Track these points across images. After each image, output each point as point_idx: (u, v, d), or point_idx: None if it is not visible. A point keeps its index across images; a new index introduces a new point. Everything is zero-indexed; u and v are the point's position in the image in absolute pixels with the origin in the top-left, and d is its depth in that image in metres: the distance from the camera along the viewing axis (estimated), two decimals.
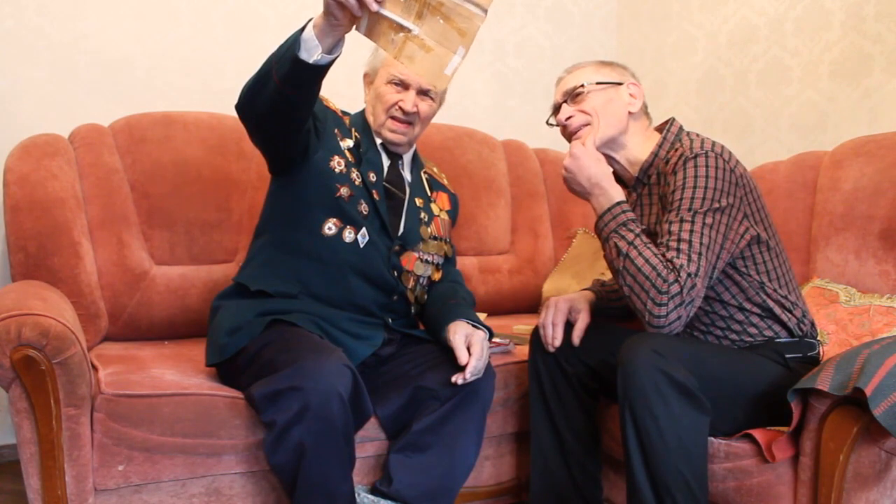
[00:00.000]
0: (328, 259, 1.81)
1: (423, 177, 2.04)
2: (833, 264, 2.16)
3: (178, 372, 1.80)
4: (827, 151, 2.33)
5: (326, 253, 1.80)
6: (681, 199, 1.60)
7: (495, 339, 2.10)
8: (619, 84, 1.77)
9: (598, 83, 1.77)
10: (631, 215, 1.65)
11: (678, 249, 1.56)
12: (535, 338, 1.86)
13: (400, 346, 1.89)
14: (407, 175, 1.98)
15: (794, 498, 1.54)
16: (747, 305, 1.69)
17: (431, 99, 1.91)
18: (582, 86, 1.77)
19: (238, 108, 1.71)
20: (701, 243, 1.57)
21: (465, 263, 2.61)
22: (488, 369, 1.80)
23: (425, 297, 1.97)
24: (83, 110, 2.33)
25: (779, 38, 2.66)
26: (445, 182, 2.14)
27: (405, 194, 1.94)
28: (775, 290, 1.69)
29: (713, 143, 1.66)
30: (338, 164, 1.83)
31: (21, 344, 1.49)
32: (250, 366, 1.67)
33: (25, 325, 1.49)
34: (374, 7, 1.42)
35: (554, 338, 1.80)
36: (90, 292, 2.02)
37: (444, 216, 2.05)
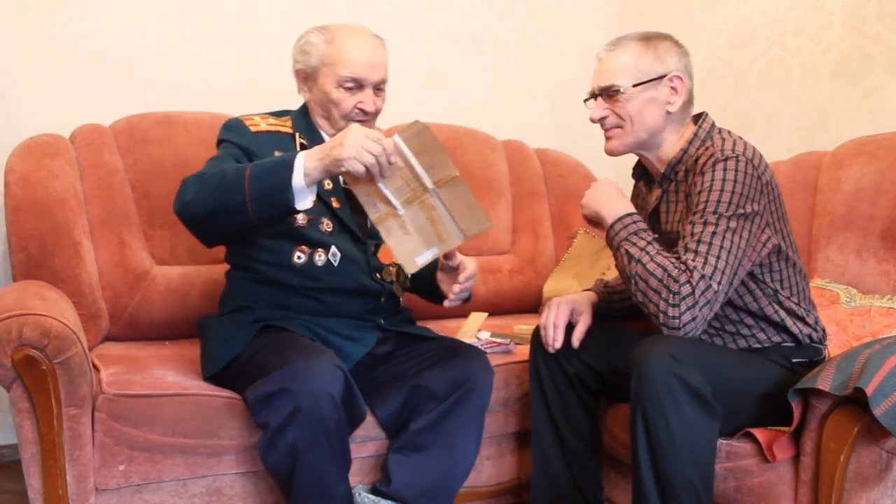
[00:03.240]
0: (306, 286, 1.78)
1: None
2: (834, 264, 2.16)
3: (179, 372, 1.80)
4: (827, 151, 2.33)
5: (303, 280, 1.78)
6: (707, 202, 1.57)
7: (496, 339, 2.11)
8: (662, 77, 1.67)
9: (636, 85, 1.66)
10: (642, 225, 1.64)
11: (696, 251, 1.54)
12: (536, 338, 1.85)
13: (396, 344, 1.88)
14: None
15: (795, 498, 1.54)
16: (758, 312, 1.68)
17: (384, 90, 1.84)
18: (618, 90, 1.67)
19: (188, 222, 1.64)
20: (721, 247, 1.54)
21: None
22: (487, 367, 1.80)
23: (408, 278, 1.95)
24: (84, 110, 2.33)
25: (779, 38, 2.66)
26: None
27: None
28: (788, 299, 1.68)
29: (745, 146, 1.62)
30: None
31: (22, 344, 1.49)
32: (244, 372, 1.67)
33: (26, 324, 1.49)
34: (379, 180, 1.51)
35: (555, 339, 1.78)
36: (91, 292, 2.02)
37: None
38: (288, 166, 1.54)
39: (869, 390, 1.36)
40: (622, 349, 1.79)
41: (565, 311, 1.80)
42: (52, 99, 2.36)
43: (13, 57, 2.31)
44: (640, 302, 1.57)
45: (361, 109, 1.80)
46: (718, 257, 1.53)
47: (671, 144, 1.72)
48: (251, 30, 2.59)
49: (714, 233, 1.55)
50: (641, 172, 1.84)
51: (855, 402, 1.43)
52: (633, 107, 1.67)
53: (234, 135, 1.79)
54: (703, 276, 1.51)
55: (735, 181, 1.57)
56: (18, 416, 1.54)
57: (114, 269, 2.09)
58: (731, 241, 1.55)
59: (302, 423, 1.50)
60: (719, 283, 1.53)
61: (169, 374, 1.79)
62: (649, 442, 1.50)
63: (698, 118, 1.74)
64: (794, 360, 1.66)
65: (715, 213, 1.56)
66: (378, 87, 1.82)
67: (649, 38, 1.70)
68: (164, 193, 2.15)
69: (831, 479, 1.46)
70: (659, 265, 1.55)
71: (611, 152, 1.75)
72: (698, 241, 1.55)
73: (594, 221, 1.74)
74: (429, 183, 1.56)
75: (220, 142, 1.81)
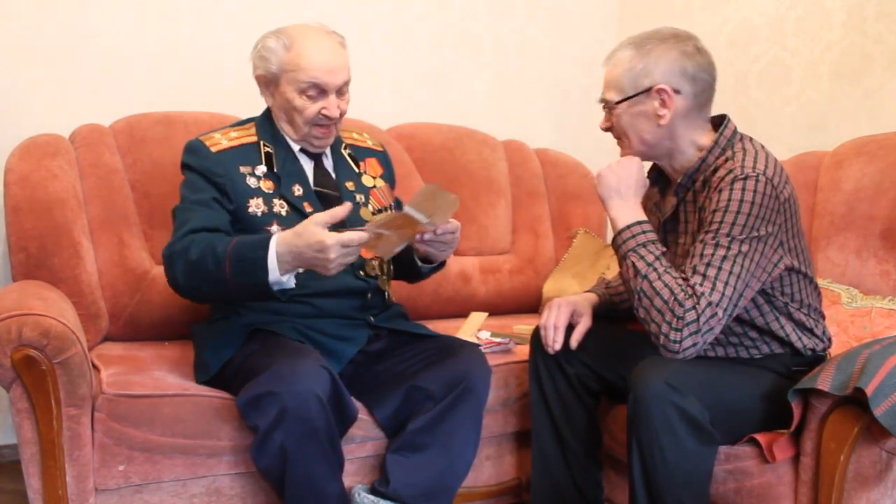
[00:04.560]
0: (291, 293, 1.76)
1: (345, 153, 1.96)
2: (834, 264, 2.16)
3: (178, 373, 1.81)
4: (827, 151, 2.33)
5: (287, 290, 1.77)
6: (721, 223, 1.51)
7: (496, 339, 2.10)
8: (649, 90, 1.60)
9: (620, 101, 1.63)
10: (652, 236, 1.59)
11: (704, 275, 1.49)
12: (536, 338, 1.85)
13: (390, 343, 1.87)
14: (330, 167, 1.91)
15: (795, 498, 1.54)
16: (764, 327, 1.64)
17: (346, 91, 1.82)
18: (610, 105, 1.65)
19: (184, 297, 1.74)
20: (731, 272, 1.49)
21: (465, 263, 2.61)
22: (484, 366, 1.79)
23: (392, 266, 1.95)
24: (84, 110, 2.33)
25: (779, 38, 2.66)
26: (370, 143, 2.04)
27: (338, 190, 1.87)
28: (798, 310, 1.65)
29: (766, 161, 1.56)
30: (256, 206, 1.76)
31: (22, 344, 1.49)
32: (236, 376, 1.68)
33: (26, 325, 1.49)
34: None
35: (555, 340, 1.77)
36: (91, 292, 2.02)
37: (380, 182, 1.98)
38: (262, 266, 1.57)
39: (869, 390, 1.36)
40: (622, 350, 1.79)
41: (566, 312, 1.79)
42: (52, 99, 2.36)
43: (13, 57, 2.31)
44: (642, 318, 1.54)
45: (325, 115, 1.78)
46: (727, 283, 1.49)
47: (685, 155, 1.65)
48: (251, 30, 2.58)
49: (725, 257, 1.49)
50: (657, 177, 1.78)
51: (855, 402, 1.43)
52: (624, 122, 1.64)
53: (194, 158, 1.78)
54: (709, 304, 1.47)
55: (753, 202, 1.50)
56: (18, 416, 1.54)
57: (113, 270, 2.09)
58: (742, 266, 1.50)
59: (289, 424, 1.50)
60: (724, 310, 1.49)
61: (168, 374, 1.79)
62: (644, 470, 1.51)
63: (721, 122, 1.66)
64: (793, 368, 1.64)
65: (728, 235, 1.50)
66: (340, 91, 1.80)
67: (643, 44, 1.63)
68: (164, 193, 2.15)
69: (831, 480, 1.46)
70: (666, 285, 1.51)
71: None
72: (707, 265, 1.50)
73: (602, 197, 1.67)
74: (423, 219, 1.58)
75: (183, 165, 1.80)
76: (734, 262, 1.50)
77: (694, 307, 1.47)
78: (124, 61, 2.44)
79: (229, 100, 2.44)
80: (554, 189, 2.86)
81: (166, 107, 2.37)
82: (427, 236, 1.66)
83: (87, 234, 2.05)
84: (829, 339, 1.72)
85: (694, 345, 1.49)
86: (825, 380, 1.44)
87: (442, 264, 1.95)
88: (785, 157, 2.46)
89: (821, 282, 2.13)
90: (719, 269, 1.49)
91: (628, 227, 1.60)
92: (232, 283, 1.61)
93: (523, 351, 2.03)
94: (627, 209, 1.63)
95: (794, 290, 1.64)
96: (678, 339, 1.48)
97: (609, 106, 1.66)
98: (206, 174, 1.75)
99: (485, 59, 3.03)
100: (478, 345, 1.96)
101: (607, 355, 1.79)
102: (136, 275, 2.11)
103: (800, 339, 1.65)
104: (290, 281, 1.63)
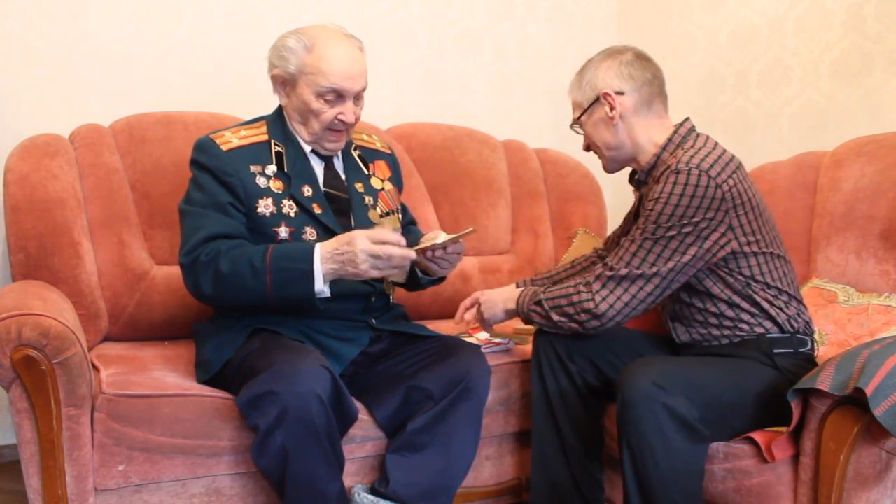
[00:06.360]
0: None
1: (355, 154, 1.95)
2: (834, 264, 2.16)
3: (178, 373, 1.81)
4: (827, 151, 2.33)
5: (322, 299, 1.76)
6: (650, 211, 1.64)
7: (495, 339, 2.10)
8: (598, 99, 1.76)
9: (580, 116, 1.81)
10: (530, 289, 1.81)
11: (617, 250, 1.66)
12: (540, 337, 1.85)
13: (391, 344, 1.88)
14: (340, 168, 1.90)
15: (795, 498, 1.54)
16: (736, 299, 1.70)
17: (362, 97, 1.82)
18: (577, 124, 1.83)
19: (206, 304, 1.79)
20: (644, 248, 1.62)
21: (465, 263, 2.61)
22: (483, 366, 1.79)
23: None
24: (83, 110, 2.33)
25: (779, 38, 2.66)
26: (379, 145, 2.04)
27: (347, 193, 1.87)
28: (763, 289, 1.69)
29: (707, 156, 1.64)
30: (265, 206, 1.75)
31: (21, 344, 1.49)
32: (236, 375, 1.68)
33: (26, 325, 1.49)
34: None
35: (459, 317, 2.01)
36: (90, 292, 2.02)
37: (388, 185, 1.98)
38: (309, 277, 1.62)
39: (869, 390, 1.36)
40: (624, 349, 1.80)
41: (472, 297, 2.00)
42: (52, 99, 2.36)
43: (13, 57, 2.31)
44: (570, 325, 1.69)
45: (342, 121, 1.78)
46: (635, 254, 1.63)
47: (647, 152, 1.77)
48: (251, 30, 2.59)
49: (645, 238, 1.63)
50: (632, 177, 1.89)
51: (855, 402, 1.43)
52: (589, 132, 1.82)
53: (204, 156, 1.76)
54: (611, 267, 1.63)
55: (682, 195, 1.60)
56: (17, 417, 1.54)
57: (113, 270, 2.09)
58: (664, 246, 1.62)
59: (290, 424, 1.50)
60: (628, 265, 1.62)
61: (168, 374, 1.79)
62: (636, 470, 1.52)
63: (682, 124, 1.77)
64: (775, 352, 1.67)
65: (655, 222, 1.62)
66: (357, 96, 1.80)
67: (584, 67, 1.82)
68: (164, 193, 2.15)
69: (831, 480, 1.46)
70: (560, 290, 1.72)
71: (606, 172, 1.88)
72: (631, 241, 1.65)
73: (513, 317, 1.89)
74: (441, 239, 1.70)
75: (192, 162, 1.79)
76: (655, 242, 1.62)
77: (598, 276, 1.65)
78: (124, 61, 2.44)
79: (229, 100, 2.44)
80: (554, 189, 2.86)
81: (166, 107, 2.37)
82: (437, 253, 1.70)
83: (86, 234, 2.05)
84: (807, 322, 1.75)
85: (605, 299, 1.64)
86: (825, 380, 1.44)
87: (443, 278, 1.95)
88: (785, 157, 2.46)
89: (818, 282, 2.14)
90: (640, 244, 1.64)
91: (515, 301, 1.84)
92: (273, 294, 1.64)
93: (523, 351, 2.03)
94: (505, 297, 1.88)
95: (753, 272, 1.70)
96: (590, 296, 1.64)
97: (577, 125, 1.84)
98: (217, 173, 1.74)
99: (484, 59, 3.03)
100: (478, 345, 1.96)
101: (611, 355, 1.80)
102: (136, 275, 2.11)
103: (772, 307, 1.69)
104: (328, 289, 1.66)
